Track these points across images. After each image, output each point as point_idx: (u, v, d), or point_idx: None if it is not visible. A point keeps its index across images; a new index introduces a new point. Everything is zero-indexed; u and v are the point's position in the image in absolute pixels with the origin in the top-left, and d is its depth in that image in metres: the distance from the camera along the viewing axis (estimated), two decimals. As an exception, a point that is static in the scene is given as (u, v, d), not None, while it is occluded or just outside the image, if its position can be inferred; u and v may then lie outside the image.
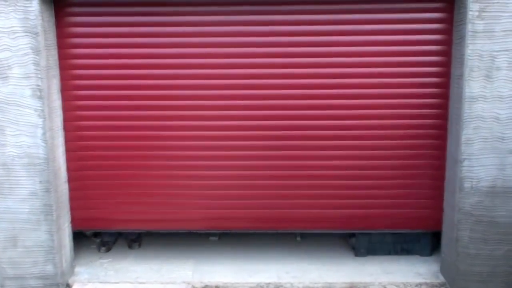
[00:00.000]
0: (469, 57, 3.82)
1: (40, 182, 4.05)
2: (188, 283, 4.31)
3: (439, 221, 4.39)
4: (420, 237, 4.56)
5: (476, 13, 3.76)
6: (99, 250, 4.77)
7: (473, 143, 3.93)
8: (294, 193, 4.41)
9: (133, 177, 4.40)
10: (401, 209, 4.41)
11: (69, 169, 4.37)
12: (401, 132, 4.28)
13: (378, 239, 4.57)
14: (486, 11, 3.76)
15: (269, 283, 4.30)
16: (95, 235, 4.97)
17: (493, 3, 3.74)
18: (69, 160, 4.36)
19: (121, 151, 4.36)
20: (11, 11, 3.81)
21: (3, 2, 3.80)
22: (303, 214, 4.43)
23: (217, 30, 4.17)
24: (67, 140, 4.32)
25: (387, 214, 4.42)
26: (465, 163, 3.96)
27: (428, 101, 4.23)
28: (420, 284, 4.28)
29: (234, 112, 4.30)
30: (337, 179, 4.37)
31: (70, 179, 4.39)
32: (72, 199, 4.43)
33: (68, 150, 4.34)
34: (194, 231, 4.64)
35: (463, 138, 3.93)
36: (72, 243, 4.47)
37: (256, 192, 4.42)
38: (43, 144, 3.99)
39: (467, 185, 3.99)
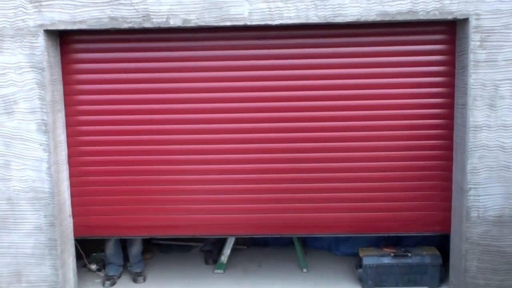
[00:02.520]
0: (472, 87, 3.84)
1: (45, 216, 4.04)
2: (194, 318, 4.28)
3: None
4: (428, 268, 4.50)
5: (478, 43, 3.80)
6: (103, 284, 4.70)
7: (479, 172, 3.92)
8: (303, 197, 4.31)
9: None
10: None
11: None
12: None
13: (386, 270, 4.51)
14: (488, 41, 3.79)
15: (275, 317, 4.27)
16: (99, 269, 4.92)
17: (495, 32, 3.78)
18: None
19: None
20: (17, 47, 3.87)
21: (10, 39, 3.86)
22: (311, 218, 4.34)
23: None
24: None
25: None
26: (471, 192, 3.94)
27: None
28: (429, 316, 4.23)
29: (241, 114, 4.24)
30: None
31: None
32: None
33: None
34: (200, 237, 4.63)
35: (469, 167, 3.92)
36: (76, 278, 4.44)
37: (261, 196, 4.33)
38: (48, 178, 4.00)
39: (474, 214, 3.97)
